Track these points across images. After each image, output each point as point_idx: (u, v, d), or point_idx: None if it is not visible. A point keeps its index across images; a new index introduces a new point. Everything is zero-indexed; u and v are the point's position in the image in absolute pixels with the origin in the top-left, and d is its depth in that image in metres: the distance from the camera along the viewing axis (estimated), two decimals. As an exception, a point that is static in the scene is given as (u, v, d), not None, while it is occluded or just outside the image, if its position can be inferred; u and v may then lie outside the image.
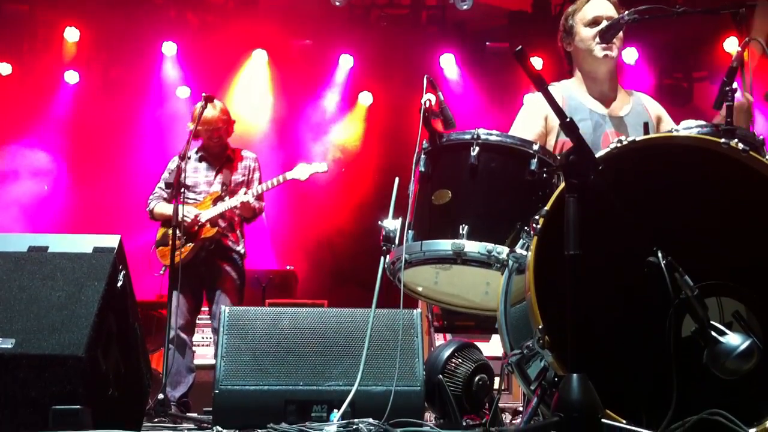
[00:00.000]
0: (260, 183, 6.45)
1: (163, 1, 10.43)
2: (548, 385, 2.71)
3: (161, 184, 6.46)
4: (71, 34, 10.01)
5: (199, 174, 6.43)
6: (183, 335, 6.08)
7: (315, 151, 10.72)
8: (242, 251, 6.39)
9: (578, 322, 2.41)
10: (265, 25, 10.25)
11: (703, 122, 3.19)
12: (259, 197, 6.37)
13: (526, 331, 2.79)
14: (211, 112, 6.27)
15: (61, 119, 10.45)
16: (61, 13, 9.97)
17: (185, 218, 6.05)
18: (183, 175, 6.26)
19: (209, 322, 6.62)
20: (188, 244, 6.12)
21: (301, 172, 6.46)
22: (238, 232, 6.41)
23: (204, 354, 7.38)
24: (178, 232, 5.52)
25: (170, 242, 6.06)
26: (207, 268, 6.22)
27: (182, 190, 6.26)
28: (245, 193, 6.23)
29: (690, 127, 3.12)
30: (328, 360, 3.84)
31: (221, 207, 6.19)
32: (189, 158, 6.34)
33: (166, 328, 5.42)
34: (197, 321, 6.56)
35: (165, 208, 6.27)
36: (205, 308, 6.50)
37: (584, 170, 2.54)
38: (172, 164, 6.46)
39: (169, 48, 10.29)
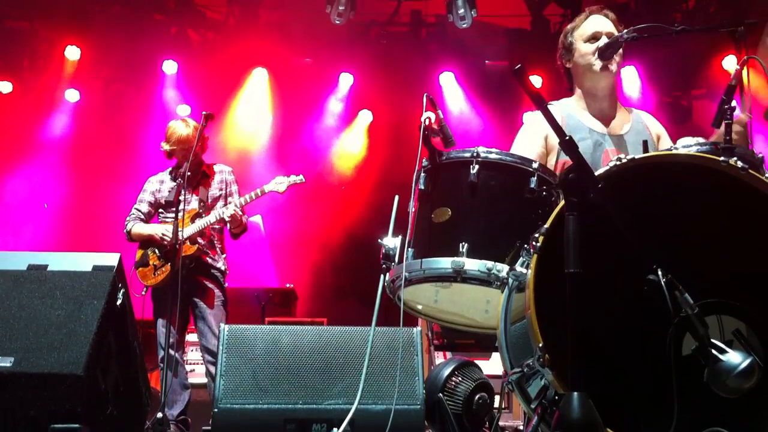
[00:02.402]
0: (239, 194, 6.44)
1: (163, 18, 10.47)
2: (548, 403, 2.70)
3: (138, 206, 6.47)
4: (72, 53, 10.04)
5: (175, 193, 6.40)
6: (173, 353, 6.05)
7: (315, 169, 10.74)
8: (223, 268, 6.37)
9: (578, 340, 2.40)
10: (265, 43, 10.29)
11: (701, 140, 3.19)
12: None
13: (526, 350, 2.79)
14: (185, 130, 6.30)
15: (61, 137, 10.48)
16: (62, 31, 9.99)
17: (165, 237, 6.07)
18: (158, 195, 6.44)
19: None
20: (168, 264, 6.08)
21: (278, 184, 6.46)
22: (218, 248, 6.39)
23: (199, 373, 7.34)
24: (178, 248, 5.54)
25: (150, 262, 6.10)
26: (189, 286, 6.16)
27: (159, 210, 6.33)
28: (225, 206, 6.23)
29: (689, 145, 3.12)
30: (327, 378, 3.82)
31: (200, 224, 6.18)
32: (163, 180, 6.47)
33: (157, 348, 5.41)
34: (190, 339, 6.54)
35: (143, 229, 6.30)
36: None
37: (584, 188, 2.54)
38: (149, 185, 6.52)
39: (170, 66, 10.33)
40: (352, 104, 10.96)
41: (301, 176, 6.56)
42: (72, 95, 10.41)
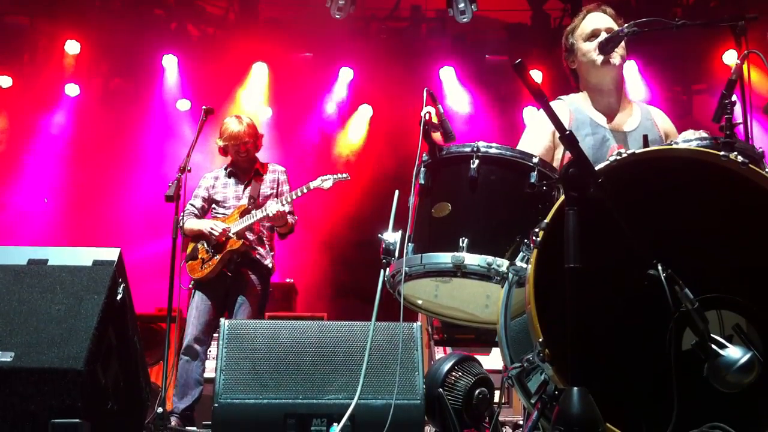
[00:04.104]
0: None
1: (163, 13, 10.46)
2: (548, 398, 2.71)
3: (192, 201, 6.47)
4: (72, 47, 10.03)
5: (228, 189, 6.44)
6: (197, 347, 6.05)
7: (315, 164, 10.73)
8: (270, 265, 6.36)
9: (578, 335, 2.40)
10: (265, 38, 10.28)
11: (702, 134, 3.19)
12: (291, 212, 6.37)
13: (526, 345, 2.79)
14: (238, 127, 6.34)
15: (61, 132, 10.47)
16: (62, 26, 9.99)
17: (212, 232, 6.10)
18: (212, 191, 6.46)
19: None
20: (215, 257, 6.14)
21: (324, 181, 6.47)
22: (267, 245, 6.39)
23: (208, 367, 7.33)
24: (181, 245, 5.54)
25: (199, 256, 6.13)
26: (234, 278, 6.20)
27: (212, 205, 6.42)
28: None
29: (689, 140, 3.12)
30: (327, 373, 3.82)
31: (248, 219, 6.19)
32: (218, 177, 6.50)
33: (165, 341, 5.41)
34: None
35: (194, 224, 6.30)
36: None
37: (584, 183, 2.54)
38: (204, 181, 6.53)
39: (170, 61, 10.32)
40: (352, 99, 10.95)
41: (346, 174, 6.57)
42: (72, 90, 10.38)
